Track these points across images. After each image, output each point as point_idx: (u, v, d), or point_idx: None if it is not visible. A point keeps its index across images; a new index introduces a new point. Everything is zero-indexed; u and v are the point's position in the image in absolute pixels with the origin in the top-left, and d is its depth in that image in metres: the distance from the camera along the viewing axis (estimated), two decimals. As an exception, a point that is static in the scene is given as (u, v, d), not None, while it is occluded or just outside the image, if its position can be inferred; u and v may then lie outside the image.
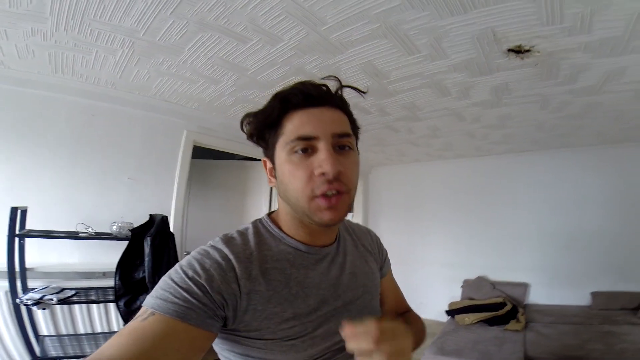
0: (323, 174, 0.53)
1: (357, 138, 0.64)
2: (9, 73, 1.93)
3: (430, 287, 4.10)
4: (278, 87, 1.97)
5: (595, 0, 1.25)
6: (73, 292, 1.89)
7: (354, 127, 0.63)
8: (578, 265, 3.36)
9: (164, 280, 0.51)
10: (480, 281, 3.72)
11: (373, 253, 0.78)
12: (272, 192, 3.45)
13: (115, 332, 1.70)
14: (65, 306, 1.98)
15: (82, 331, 2.07)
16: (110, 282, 2.01)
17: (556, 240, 3.51)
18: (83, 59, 1.80)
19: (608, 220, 3.25)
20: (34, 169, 2.05)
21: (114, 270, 1.97)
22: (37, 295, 1.73)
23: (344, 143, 0.57)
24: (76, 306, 2.06)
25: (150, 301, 0.48)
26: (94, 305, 2.13)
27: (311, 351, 0.57)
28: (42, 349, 1.80)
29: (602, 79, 1.92)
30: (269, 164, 0.63)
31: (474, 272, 3.88)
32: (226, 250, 0.56)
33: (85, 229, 2.04)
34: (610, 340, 2.47)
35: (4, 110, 1.98)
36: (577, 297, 3.26)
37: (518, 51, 1.68)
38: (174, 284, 0.50)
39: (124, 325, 1.94)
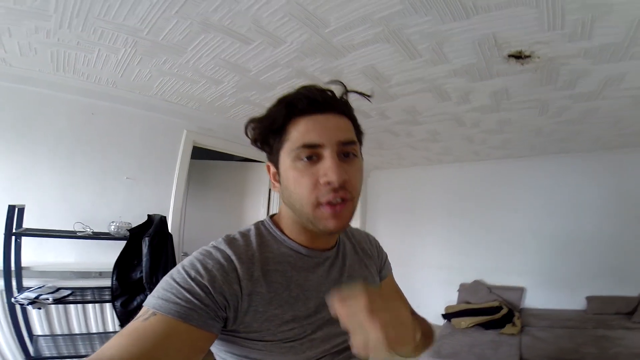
0: (329, 182, 0.53)
1: (361, 144, 0.64)
2: (10, 70, 1.92)
3: (426, 290, 4.10)
4: (279, 89, 1.99)
5: (596, 6, 1.27)
6: (69, 291, 1.88)
7: (358, 133, 0.63)
8: (574, 269, 3.38)
9: (166, 281, 0.51)
10: (477, 285, 3.73)
11: (372, 257, 0.78)
12: (271, 193, 3.44)
13: (110, 333, 1.70)
14: (60, 306, 1.96)
15: (76, 331, 2.05)
16: (106, 282, 1.99)
17: (552, 244, 3.53)
18: (85, 57, 1.79)
19: (604, 225, 3.28)
20: (32, 167, 2.03)
21: (110, 270, 1.95)
22: (32, 295, 1.71)
23: (349, 150, 0.57)
24: (71, 306, 2.04)
25: (152, 301, 0.48)
26: (90, 305, 2.11)
27: (309, 353, 0.57)
28: (36, 349, 1.78)
29: (601, 84, 1.94)
30: (272, 169, 0.63)
31: (470, 275, 3.89)
32: (228, 251, 0.56)
33: (83, 228, 2.03)
34: (605, 344, 2.49)
35: (4, 108, 1.97)
36: (572, 301, 3.28)
37: (518, 56, 1.70)
38: (176, 284, 0.50)
39: (120, 325, 1.94)
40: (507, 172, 3.89)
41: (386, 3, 1.33)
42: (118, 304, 1.91)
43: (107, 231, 2.09)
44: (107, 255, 2.15)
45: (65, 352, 1.81)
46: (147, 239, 2.02)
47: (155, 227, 2.11)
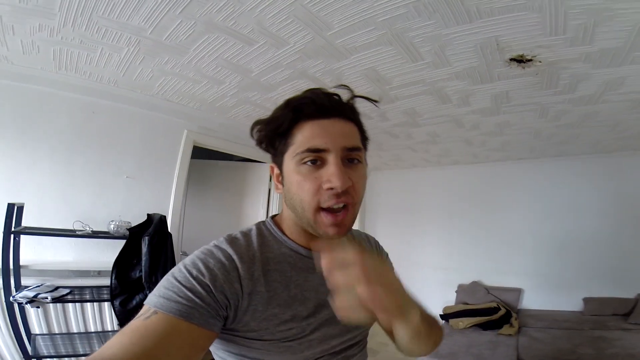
0: (332, 188, 0.54)
1: (366, 150, 0.64)
2: (11, 68, 1.91)
3: (425, 290, 4.11)
4: (280, 90, 1.99)
5: (599, 11, 1.28)
6: (67, 290, 1.87)
7: (364, 139, 0.63)
8: (571, 271, 3.41)
9: (167, 279, 0.51)
10: (475, 286, 3.75)
11: None
12: (270, 194, 3.45)
13: (109, 332, 1.69)
14: (58, 305, 1.96)
15: (75, 330, 2.04)
16: (105, 281, 1.99)
17: (550, 246, 3.55)
18: (87, 56, 1.79)
19: (601, 227, 3.31)
20: (32, 165, 2.02)
21: (109, 269, 1.95)
22: (31, 294, 1.70)
23: (354, 156, 0.57)
24: (70, 305, 2.03)
25: (153, 300, 0.48)
26: (88, 304, 2.10)
27: (307, 353, 0.58)
28: (34, 348, 1.77)
29: (600, 88, 1.95)
30: (276, 170, 0.63)
31: (468, 276, 3.91)
32: (230, 251, 0.56)
33: (83, 227, 2.02)
34: (601, 345, 2.51)
35: (4, 106, 1.95)
36: (569, 302, 3.30)
37: (520, 60, 1.71)
38: (177, 283, 0.50)
39: (119, 325, 1.93)
40: (506, 175, 3.91)
41: (390, 6, 1.34)
42: (117, 303, 1.91)
43: (106, 230, 2.09)
44: (106, 254, 2.14)
45: (63, 352, 1.80)
46: (146, 238, 2.01)
47: (154, 226, 2.11)
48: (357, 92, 0.63)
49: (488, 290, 3.64)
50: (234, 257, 0.56)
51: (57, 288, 1.84)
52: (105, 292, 1.96)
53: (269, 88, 2.15)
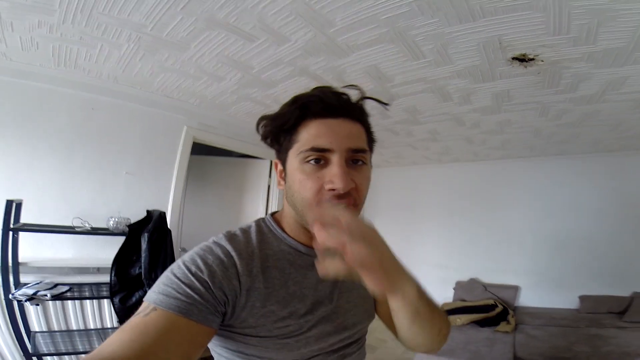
0: (333, 189, 0.53)
1: (372, 151, 0.63)
2: (10, 65, 1.89)
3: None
4: (281, 87, 1.99)
5: (602, 12, 1.27)
6: (67, 287, 1.87)
7: (370, 141, 0.62)
8: (567, 269, 3.44)
9: (166, 276, 0.51)
10: (472, 283, 3.78)
11: None
12: (270, 190, 3.44)
13: (108, 329, 1.69)
14: (58, 302, 1.96)
15: (74, 327, 2.04)
16: (104, 278, 1.99)
17: (547, 244, 3.57)
18: (87, 52, 1.77)
19: (598, 226, 3.33)
20: (31, 162, 2.01)
21: (108, 265, 1.95)
22: (30, 291, 1.70)
23: (358, 158, 0.57)
24: (69, 302, 2.03)
25: (152, 296, 0.48)
26: (87, 301, 2.10)
27: (304, 351, 0.58)
28: (34, 346, 1.77)
29: (602, 88, 1.95)
30: (280, 166, 0.62)
31: (466, 274, 3.94)
32: (228, 247, 0.56)
33: (82, 223, 2.01)
34: (597, 343, 2.54)
35: (3, 103, 1.94)
36: (565, 300, 3.33)
37: (522, 59, 1.71)
38: (176, 279, 0.50)
39: (119, 322, 1.93)
40: (506, 173, 3.92)
41: (393, 4, 1.33)
42: (117, 300, 1.91)
43: (105, 227, 2.08)
44: (105, 251, 2.14)
45: (63, 349, 1.81)
46: (146, 234, 2.01)
47: (154, 222, 2.11)
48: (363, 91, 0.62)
49: (486, 287, 3.66)
50: (233, 253, 0.55)
51: (56, 285, 1.83)
52: (104, 289, 1.96)
53: (270, 85, 2.14)
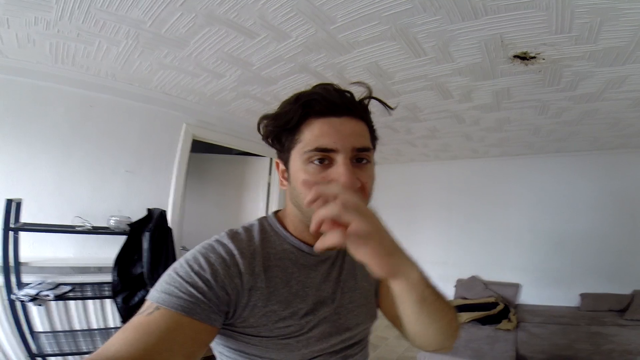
0: None
1: (375, 149, 0.62)
2: (6, 62, 1.87)
3: (423, 285, 4.15)
4: (281, 83, 1.97)
5: (605, 11, 1.27)
6: (69, 287, 1.85)
7: (374, 139, 0.61)
8: (568, 267, 3.45)
9: (169, 274, 0.51)
10: (473, 281, 3.78)
11: None
12: (270, 187, 3.43)
13: (111, 329, 1.67)
14: (60, 302, 1.94)
15: (77, 327, 2.03)
16: (106, 277, 1.98)
17: (548, 242, 3.58)
18: (85, 49, 1.76)
19: (598, 223, 3.34)
20: (29, 160, 1.99)
21: (109, 265, 1.94)
22: (33, 291, 1.69)
23: (363, 156, 0.56)
24: (71, 302, 2.02)
25: (155, 295, 0.48)
26: (90, 301, 2.09)
27: (305, 351, 0.57)
28: (38, 346, 1.76)
29: (602, 86, 1.95)
30: (281, 166, 0.61)
31: (467, 271, 3.94)
32: (231, 246, 0.56)
33: (82, 222, 2.00)
34: (598, 341, 2.55)
35: None
36: (566, 298, 3.35)
37: (523, 57, 1.70)
38: (179, 278, 0.50)
39: (122, 322, 1.93)
40: (505, 170, 3.93)
41: (396, 1, 1.32)
42: (119, 299, 1.90)
43: (106, 225, 2.07)
44: (105, 250, 2.13)
45: (67, 349, 1.80)
46: (147, 233, 2.00)
47: (155, 221, 2.10)
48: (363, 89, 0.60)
49: (486, 285, 3.67)
50: (235, 252, 0.55)
51: (58, 285, 1.82)
52: (106, 288, 1.95)
53: (270, 81, 2.12)
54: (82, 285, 1.96)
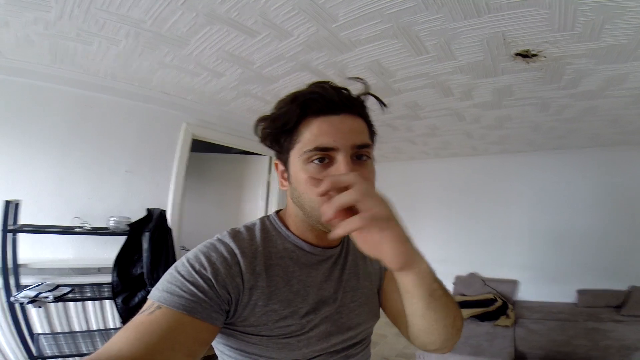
0: None
1: (374, 144, 0.62)
2: (4, 63, 1.85)
3: (422, 282, 4.16)
4: (282, 82, 1.96)
5: (608, 9, 1.27)
6: (68, 289, 1.84)
7: (372, 134, 0.61)
8: (565, 263, 3.47)
9: (170, 273, 0.51)
10: (472, 277, 3.80)
11: None
12: (269, 186, 3.42)
13: (111, 329, 1.67)
14: (59, 303, 1.93)
15: (77, 329, 2.02)
16: (105, 278, 1.97)
17: (545, 239, 3.61)
18: (84, 49, 1.74)
19: (596, 220, 3.36)
20: (27, 161, 1.97)
21: (109, 265, 1.93)
22: (32, 293, 1.67)
23: (362, 153, 0.56)
24: (71, 303, 2.01)
25: (157, 294, 0.48)
26: (89, 302, 2.08)
27: (305, 351, 0.57)
28: (38, 348, 1.75)
29: (603, 84, 1.96)
30: (281, 167, 0.61)
31: (465, 268, 3.96)
32: (232, 245, 0.56)
33: (82, 223, 1.99)
34: (596, 337, 2.57)
35: (-3, 100, 1.90)
36: (564, 294, 3.37)
37: (525, 55, 1.70)
38: (180, 277, 0.50)
39: (122, 322, 1.92)
40: (504, 167, 3.94)
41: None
42: (119, 300, 1.89)
43: (105, 226, 2.06)
44: (105, 251, 2.12)
45: (67, 351, 1.79)
46: (147, 233, 1.99)
47: (155, 221, 2.09)
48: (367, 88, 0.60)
49: (485, 281, 3.69)
50: (236, 251, 0.55)
51: (57, 287, 1.81)
52: (106, 289, 1.94)
53: (271, 80, 2.11)
54: (81, 286, 1.94)
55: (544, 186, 3.67)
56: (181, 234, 2.80)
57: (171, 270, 0.52)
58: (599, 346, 2.45)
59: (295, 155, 0.56)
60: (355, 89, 0.59)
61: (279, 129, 0.56)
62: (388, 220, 0.44)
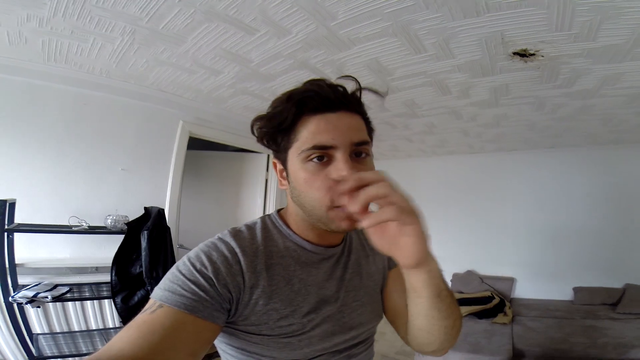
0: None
1: (372, 141, 0.61)
2: (-4, 60, 1.83)
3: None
4: (279, 80, 1.95)
5: (606, 9, 1.27)
6: (67, 288, 1.84)
7: (370, 131, 0.61)
8: (561, 260, 3.50)
9: (172, 272, 0.51)
10: (469, 275, 3.83)
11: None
12: (267, 184, 3.41)
13: (110, 329, 1.66)
14: (58, 303, 1.92)
15: (76, 328, 2.01)
16: (103, 278, 1.96)
17: (541, 236, 3.63)
18: (79, 46, 1.72)
19: (592, 218, 3.39)
20: (23, 160, 1.95)
21: (107, 264, 1.92)
22: (30, 293, 1.66)
23: (361, 150, 0.55)
24: (69, 303, 1.99)
25: (159, 293, 0.48)
26: (88, 301, 2.07)
27: (307, 350, 0.57)
28: (38, 349, 1.74)
29: (598, 83, 1.97)
30: (279, 166, 0.61)
31: (463, 266, 3.98)
32: (233, 244, 0.56)
33: (79, 222, 1.97)
34: (593, 334, 2.59)
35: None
36: (560, 291, 3.40)
37: (523, 54, 1.71)
38: (182, 276, 0.50)
39: (121, 322, 1.91)
40: (500, 165, 3.96)
41: (398, -3, 1.31)
42: (118, 299, 1.88)
43: (103, 225, 2.05)
44: (102, 250, 2.11)
45: (66, 351, 1.79)
46: (145, 232, 1.98)
47: (153, 220, 2.08)
48: (362, 83, 0.60)
49: (482, 279, 3.71)
50: (237, 250, 0.55)
51: (56, 286, 1.79)
52: (104, 288, 1.93)
53: (268, 78, 2.10)
54: (79, 285, 1.93)
55: (540, 184, 3.70)
56: (179, 232, 2.79)
57: (173, 270, 0.52)
58: (597, 344, 2.47)
59: (294, 154, 0.55)
60: (350, 87, 0.59)
61: (276, 127, 0.56)
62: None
